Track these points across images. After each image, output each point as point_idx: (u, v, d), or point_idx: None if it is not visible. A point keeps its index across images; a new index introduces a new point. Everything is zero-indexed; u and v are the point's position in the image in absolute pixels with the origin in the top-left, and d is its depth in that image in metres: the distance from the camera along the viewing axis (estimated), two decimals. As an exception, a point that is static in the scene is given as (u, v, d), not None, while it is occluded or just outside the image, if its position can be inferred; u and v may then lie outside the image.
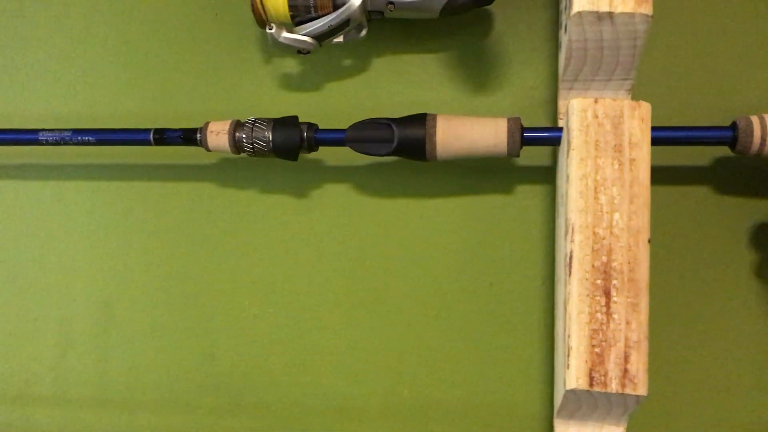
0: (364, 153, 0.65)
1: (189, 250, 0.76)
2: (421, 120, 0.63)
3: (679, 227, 0.68)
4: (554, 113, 0.70)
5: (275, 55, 0.74)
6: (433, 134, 0.62)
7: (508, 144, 0.62)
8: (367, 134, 0.64)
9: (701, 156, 0.68)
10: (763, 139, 0.59)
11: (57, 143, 0.68)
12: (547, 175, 0.70)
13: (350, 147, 0.65)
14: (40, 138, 0.68)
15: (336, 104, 0.74)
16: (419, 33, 0.72)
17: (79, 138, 0.68)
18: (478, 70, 0.72)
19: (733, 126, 0.61)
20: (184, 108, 0.76)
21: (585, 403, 0.58)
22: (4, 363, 0.78)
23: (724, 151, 0.64)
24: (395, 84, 0.73)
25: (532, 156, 0.70)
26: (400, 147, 0.63)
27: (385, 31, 0.71)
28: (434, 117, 0.63)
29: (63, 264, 0.77)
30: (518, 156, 0.63)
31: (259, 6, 0.65)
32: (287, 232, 0.74)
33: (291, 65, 0.74)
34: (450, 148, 0.63)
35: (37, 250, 0.78)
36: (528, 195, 0.71)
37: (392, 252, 0.73)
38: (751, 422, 0.68)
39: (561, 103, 0.65)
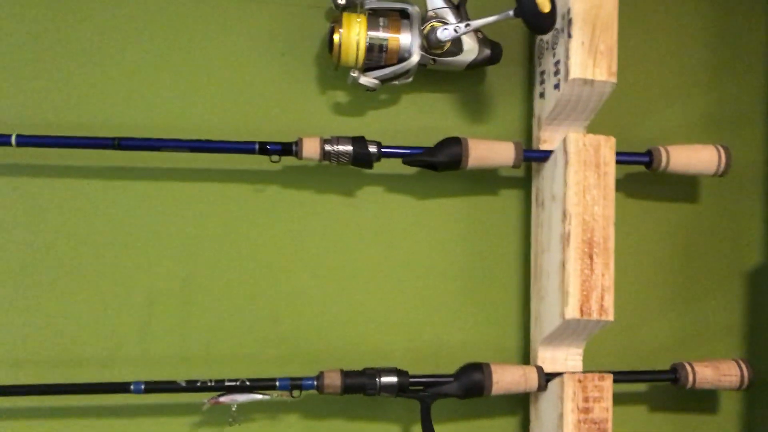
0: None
1: (255, 237, 0.97)
2: (458, 142, 0.91)
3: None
4: (527, 138, 1.01)
5: (337, 88, 0.98)
6: (467, 151, 0.91)
7: (515, 159, 0.92)
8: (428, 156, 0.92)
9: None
10: None
11: (176, 150, 0.87)
12: (518, 182, 1.02)
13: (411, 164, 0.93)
14: (162, 146, 0.87)
15: (369, 126, 0.99)
16: (439, 80, 1.00)
17: (195, 146, 0.88)
18: (476, 106, 1.02)
19: (648, 153, 0.96)
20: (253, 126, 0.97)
21: (571, 330, 0.89)
22: (95, 330, 0.93)
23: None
24: (421, 114, 1.01)
25: (506, 170, 1.01)
26: (444, 162, 0.91)
27: (421, 77, 0.97)
28: (466, 139, 0.92)
29: (148, 246, 0.94)
30: (520, 167, 0.93)
31: (336, 54, 0.90)
32: (336, 225, 0.99)
33: (343, 96, 0.99)
34: (476, 160, 0.92)
35: (126, 238, 0.94)
36: (507, 196, 1.03)
37: (414, 239, 1.01)
38: None
39: (542, 134, 0.96)
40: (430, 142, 0.94)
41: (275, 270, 0.97)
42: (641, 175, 1.02)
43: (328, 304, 0.98)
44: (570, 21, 0.87)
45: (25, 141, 0.84)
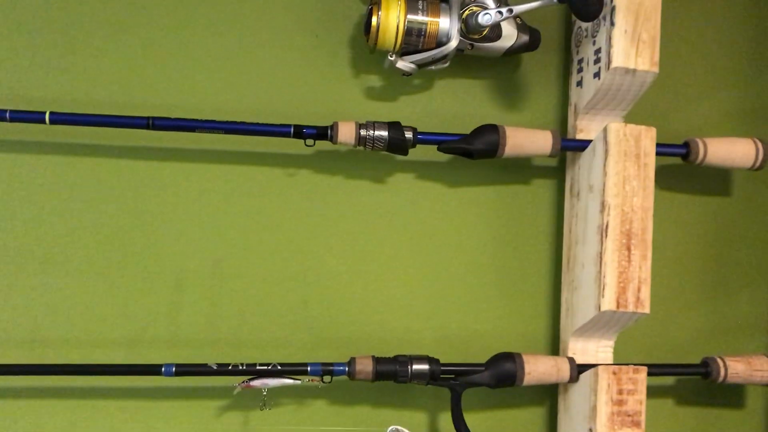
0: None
1: (287, 220, 0.96)
2: (495, 129, 0.90)
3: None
4: (561, 127, 1.00)
5: (371, 72, 0.97)
6: (504, 139, 0.90)
7: (552, 148, 0.91)
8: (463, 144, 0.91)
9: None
10: None
11: (210, 131, 0.86)
12: (551, 172, 1.01)
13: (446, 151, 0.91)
14: (196, 127, 0.85)
15: (402, 111, 0.98)
16: (474, 66, 0.99)
17: (231, 127, 0.86)
18: (510, 94, 1.00)
19: (687, 144, 0.95)
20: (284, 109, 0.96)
21: (605, 321, 0.89)
22: (123, 311, 0.92)
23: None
24: (454, 100, 0.99)
25: (539, 159, 1.00)
26: (480, 149, 0.90)
27: (456, 63, 0.96)
28: (503, 127, 0.90)
29: (179, 228, 0.93)
30: (558, 156, 0.92)
31: (374, 37, 0.88)
32: (368, 211, 0.98)
33: (376, 80, 0.98)
34: (513, 149, 0.90)
35: (157, 219, 0.93)
36: (540, 185, 1.01)
37: (445, 227, 0.99)
38: None
39: (578, 123, 0.95)
40: (463, 128, 0.92)
41: (306, 254, 0.96)
42: (674, 167, 1.01)
43: (357, 290, 0.97)
44: (613, 8, 0.85)
45: (58, 119, 0.83)
